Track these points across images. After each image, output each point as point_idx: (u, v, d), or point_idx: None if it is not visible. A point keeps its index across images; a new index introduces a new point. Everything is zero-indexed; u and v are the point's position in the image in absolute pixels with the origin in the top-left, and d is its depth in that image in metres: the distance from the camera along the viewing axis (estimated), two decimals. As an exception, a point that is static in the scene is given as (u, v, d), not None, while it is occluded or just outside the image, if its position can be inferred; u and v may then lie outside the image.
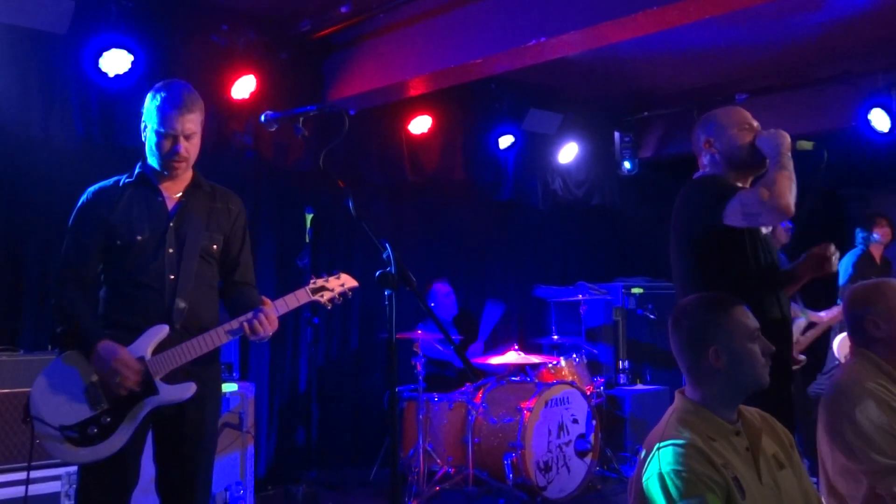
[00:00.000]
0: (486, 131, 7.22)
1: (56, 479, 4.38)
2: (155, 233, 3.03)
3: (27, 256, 5.18)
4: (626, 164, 8.13)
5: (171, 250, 3.03)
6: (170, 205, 3.10)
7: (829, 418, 2.80)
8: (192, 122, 3.02)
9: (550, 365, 6.25)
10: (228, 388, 5.09)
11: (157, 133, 3.01)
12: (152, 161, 3.08)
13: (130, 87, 5.09)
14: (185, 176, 3.15)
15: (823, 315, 5.88)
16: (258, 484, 5.61)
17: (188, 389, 2.95)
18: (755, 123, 3.23)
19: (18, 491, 4.22)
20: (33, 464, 4.28)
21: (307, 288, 3.16)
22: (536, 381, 6.06)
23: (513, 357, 6.13)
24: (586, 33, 4.88)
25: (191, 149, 3.06)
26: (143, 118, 3.07)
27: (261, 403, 5.98)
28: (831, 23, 6.05)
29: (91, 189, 3.12)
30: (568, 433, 5.81)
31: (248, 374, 5.96)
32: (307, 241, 5.78)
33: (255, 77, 5.61)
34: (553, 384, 5.85)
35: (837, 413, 2.75)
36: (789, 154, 2.99)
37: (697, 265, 3.11)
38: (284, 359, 6.44)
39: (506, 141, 7.20)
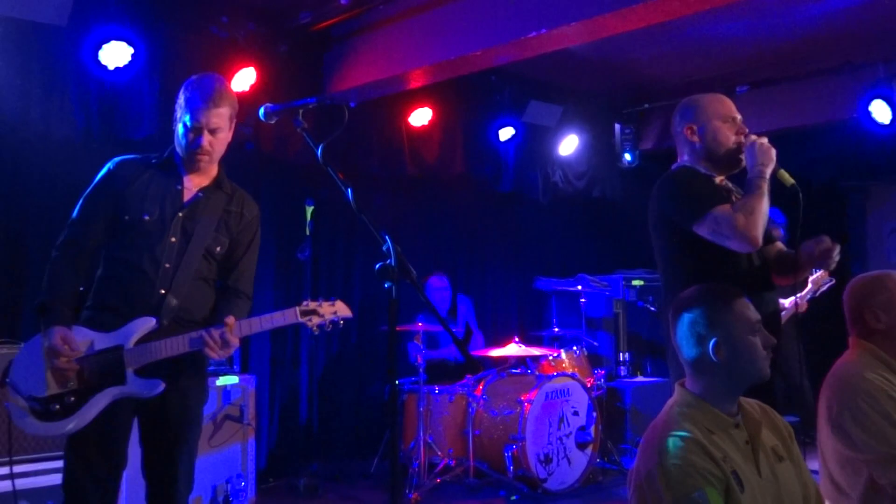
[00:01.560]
0: (487, 123, 7.21)
1: (58, 471, 4.36)
2: (163, 217, 3.02)
3: (27, 248, 5.17)
4: (627, 156, 8.11)
5: (173, 239, 3.01)
6: (187, 196, 3.08)
7: (829, 409, 2.80)
8: (218, 118, 3.02)
9: (551, 357, 6.25)
10: (230, 380, 5.11)
11: (184, 124, 3.02)
12: (178, 149, 3.10)
13: (130, 80, 5.09)
14: (210, 172, 3.15)
15: (786, 303, 5.92)
16: (259, 476, 5.62)
17: (156, 386, 2.93)
18: (738, 116, 3.18)
19: (29, 482, 4.22)
20: (42, 455, 4.33)
21: (297, 309, 3.12)
22: (537, 373, 6.07)
23: (513, 349, 6.14)
24: (587, 25, 4.87)
25: (216, 144, 3.05)
26: (175, 106, 3.09)
27: (262, 396, 5.99)
28: (832, 14, 6.03)
29: (117, 159, 3.13)
30: (568, 425, 5.82)
31: (249, 367, 5.97)
32: (307, 233, 5.79)
33: (255, 69, 5.60)
34: (554, 376, 5.85)
35: (838, 404, 2.75)
36: (768, 177, 2.99)
37: (678, 260, 3.11)
38: (285, 351, 6.44)
39: (506, 133, 7.19)
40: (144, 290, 2.96)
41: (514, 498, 5.48)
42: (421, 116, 6.76)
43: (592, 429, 5.91)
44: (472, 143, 7.25)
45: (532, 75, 7.35)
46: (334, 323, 3.17)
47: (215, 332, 2.93)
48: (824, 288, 5.84)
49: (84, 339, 2.93)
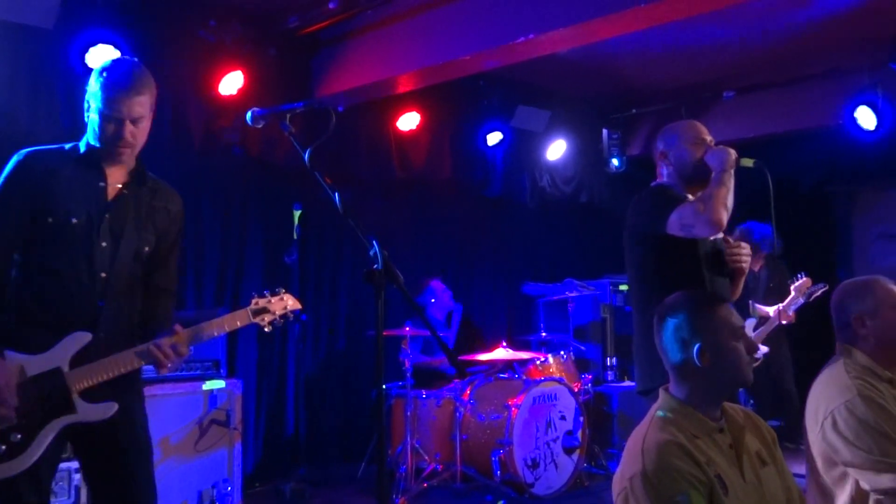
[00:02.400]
0: (475, 128, 7.22)
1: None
2: (91, 220, 2.73)
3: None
4: (614, 162, 8.14)
5: (104, 244, 2.74)
6: (110, 193, 2.80)
7: (815, 414, 2.81)
8: (140, 106, 2.76)
9: (538, 362, 6.26)
10: (216, 384, 5.09)
11: (102, 115, 2.74)
12: (95, 142, 2.80)
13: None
14: (129, 162, 2.86)
15: (770, 311, 5.97)
16: (246, 481, 5.59)
17: (109, 409, 2.68)
18: (708, 138, 3.40)
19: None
20: None
21: (248, 309, 2.94)
22: (524, 377, 6.07)
23: (501, 354, 6.14)
24: (575, 30, 4.89)
25: (138, 134, 2.78)
26: (86, 96, 2.81)
27: (248, 400, 5.97)
28: (818, 20, 6.07)
29: (27, 151, 2.81)
30: (555, 430, 5.82)
31: (235, 371, 5.94)
32: (295, 237, 5.77)
33: (243, 73, 5.59)
34: (541, 381, 5.86)
35: (824, 410, 2.76)
36: (732, 171, 3.22)
37: (647, 269, 3.33)
38: (272, 355, 6.42)
39: (494, 138, 7.20)
40: (82, 302, 2.69)
41: (501, 502, 5.48)
42: (409, 121, 6.76)
43: (579, 433, 5.91)
44: (460, 148, 7.26)
45: (520, 80, 7.36)
46: (284, 318, 2.99)
47: (166, 344, 2.71)
48: (818, 293, 5.88)
49: (12, 363, 2.58)
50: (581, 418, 5.95)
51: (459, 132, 7.24)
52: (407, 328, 5.86)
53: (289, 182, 6.21)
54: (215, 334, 2.88)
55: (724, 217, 3.11)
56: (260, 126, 2.86)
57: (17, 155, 2.81)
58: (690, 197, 3.34)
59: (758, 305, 6.12)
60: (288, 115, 2.73)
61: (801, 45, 6.57)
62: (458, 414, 5.73)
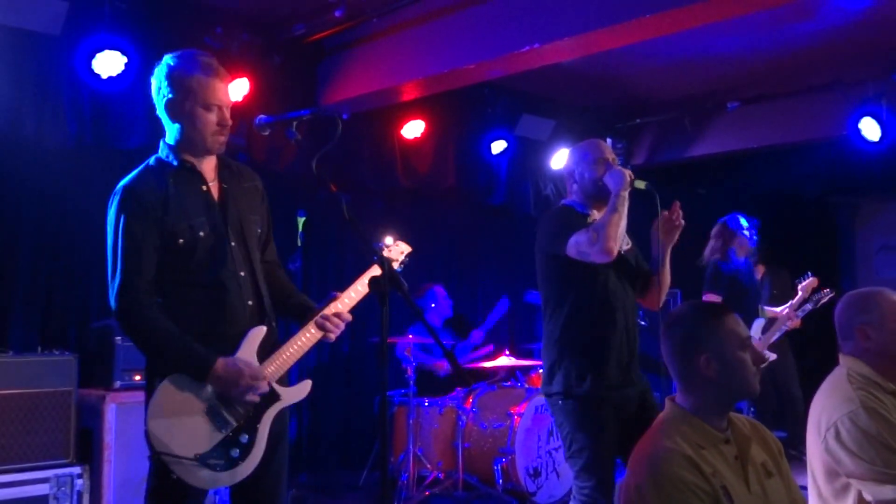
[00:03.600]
0: (479, 136, 7.23)
1: (44, 481, 4.37)
2: (215, 227, 2.76)
3: (17, 256, 5.16)
4: (618, 171, 8.14)
5: (234, 244, 2.78)
6: (215, 193, 2.83)
7: (818, 425, 2.81)
8: (228, 92, 2.82)
9: (541, 370, 6.24)
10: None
11: (204, 106, 2.72)
12: (189, 142, 2.78)
13: (123, 89, 5.09)
14: (213, 156, 2.87)
15: (780, 311, 5.96)
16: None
17: (306, 387, 2.86)
18: (611, 157, 3.57)
19: (9, 493, 4.20)
20: (22, 466, 4.31)
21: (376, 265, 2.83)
22: (527, 385, 6.07)
23: (504, 361, 6.14)
24: (580, 40, 4.90)
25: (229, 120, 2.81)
26: (170, 95, 2.78)
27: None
28: (822, 32, 6.09)
29: (128, 184, 2.73)
30: (557, 438, 5.80)
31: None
32: (299, 244, 5.78)
33: (249, 80, 5.61)
34: (543, 389, 5.85)
35: (826, 420, 2.76)
36: (626, 195, 3.36)
37: (554, 285, 3.54)
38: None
39: (498, 146, 7.21)
40: (235, 304, 2.75)
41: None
42: (414, 129, 6.77)
43: (582, 442, 5.90)
44: (465, 156, 7.27)
45: (525, 89, 7.38)
46: (402, 263, 3.14)
47: (331, 312, 2.84)
48: (824, 300, 5.89)
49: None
50: (583, 427, 5.93)
51: (464, 140, 7.26)
52: (410, 336, 5.86)
53: (293, 189, 6.23)
54: (361, 296, 2.94)
55: (615, 245, 3.29)
56: (266, 133, 2.88)
57: (119, 191, 2.73)
58: (595, 213, 3.53)
59: (766, 307, 6.12)
60: (294, 123, 2.75)
61: (805, 55, 6.58)
62: (460, 422, 5.73)
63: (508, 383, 6.17)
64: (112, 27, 5.00)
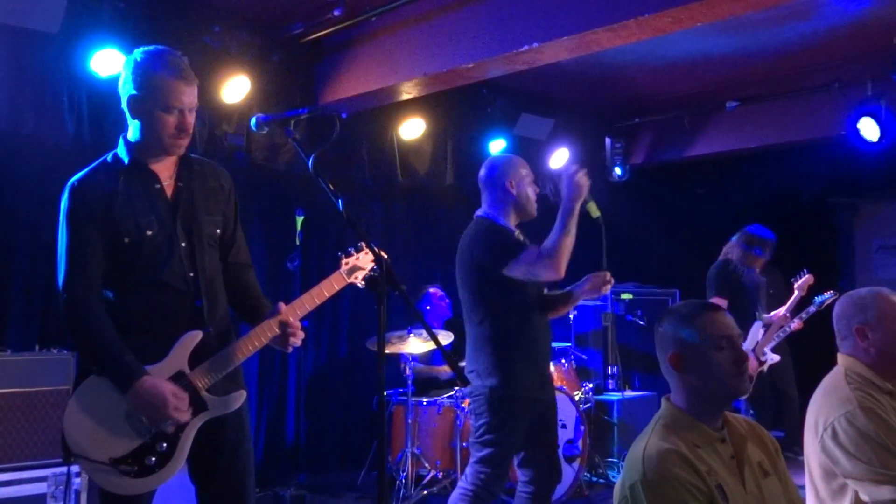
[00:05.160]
0: (478, 135, 7.23)
1: (42, 480, 4.36)
2: (164, 226, 2.72)
3: (14, 255, 5.15)
4: (617, 171, 8.14)
5: (183, 244, 2.74)
6: (168, 191, 2.78)
7: (815, 425, 2.81)
8: (195, 95, 2.76)
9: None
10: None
11: (163, 108, 2.67)
12: (147, 141, 2.75)
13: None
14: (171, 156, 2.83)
15: (771, 316, 5.98)
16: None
17: (238, 398, 2.75)
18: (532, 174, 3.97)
19: (7, 492, 4.20)
20: (19, 464, 4.30)
21: (341, 271, 2.88)
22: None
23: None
24: (578, 39, 4.90)
25: (193, 123, 2.77)
26: (132, 91, 2.72)
27: (249, 405, 5.94)
28: (821, 32, 6.09)
29: (78, 179, 2.74)
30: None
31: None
32: (297, 243, 5.78)
33: (247, 79, 5.60)
34: (542, 389, 5.84)
35: (824, 421, 2.76)
36: (577, 211, 3.61)
37: (481, 294, 3.73)
38: (273, 361, 6.42)
39: (497, 145, 7.21)
40: (179, 305, 2.71)
41: None
42: (412, 128, 6.77)
43: (580, 442, 5.90)
44: (463, 156, 7.26)
45: (524, 88, 7.38)
46: (373, 271, 2.82)
47: (274, 325, 2.76)
48: (827, 301, 5.91)
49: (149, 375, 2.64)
50: (582, 427, 5.94)
51: (462, 140, 7.25)
52: (410, 334, 5.85)
53: (292, 188, 6.23)
54: (317, 303, 2.86)
55: (564, 266, 3.56)
56: (264, 132, 2.86)
57: (67, 189, 2.73)
58: (512, 223, 3.83)
59: (763, 311, 6.14)
60: (292, 122, 2.73)
61: (804, 56, 6.58)
62: (458, 421, 5.72)
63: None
64: (111, 26, 4.99)
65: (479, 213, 3.94)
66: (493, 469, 3.69)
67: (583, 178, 3.60)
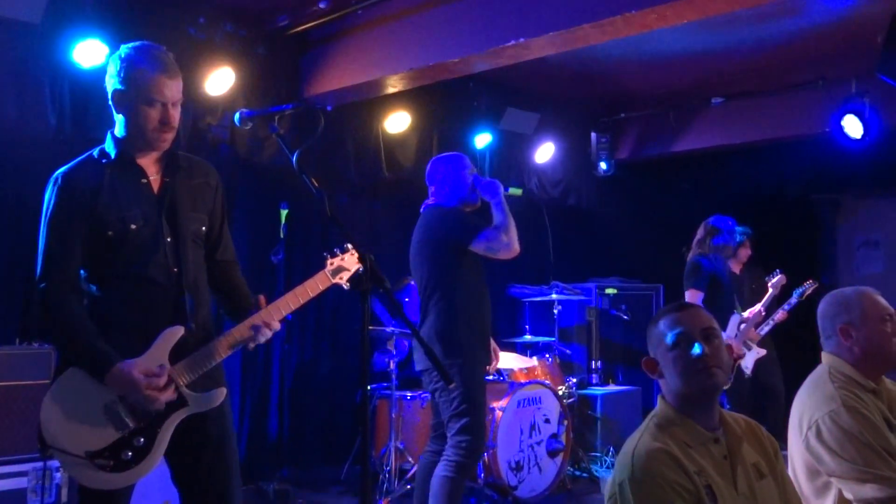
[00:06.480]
0: (464, 129, 7.22)
1: (23, 475, 4.33)
2: (149, 221, 2.71)
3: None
4: (602, 165, 8.16)
5: (168, 239, 2.73)
6: (155, 187, 2.77)
7: (799, 424, 2.82)
8: (179, 89, 2.75)
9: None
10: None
11: (146, 101, 2.67)
12: (132, 135, 2.74)
13: (104, 79, 5.02)
14: (163, 147, 2.82)
15: (748, 314, 6.04)
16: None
17: (219, 395, 2.73)
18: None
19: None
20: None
21: (326, 271, 2.87)
22: (509, 380, 6.07)
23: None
24: (565, 35, 4.90)
25: (177, 118, 2.76)
26: (117, 86, 2.73)
27: (232, 400, 5.94)
28: (807, 29, 6.11)
29: (64, 172, 2.73)
30: (539, 433, 5.82)
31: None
32: (281, 236, 5.75)
33: (232, 71, 5.57)
34: (526, 384, 5.85)
35: (808, 419, 2.77)
36: (504, 199, 4.07)
37: (442, 272, 4.10)
38: (257, 355, 6.39)
39: (483, 139, 7.20)
40: (161, 299, 2.70)
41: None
42: (397, 121, 6.75)
43: (563, 436, 5.92)
44: (449, 149, 7.17)
45: (510, 83, 7.37)
46: (358, 271, 2.88)
47: (259, 321, 2.74)
48: (808, 291, 5.98)
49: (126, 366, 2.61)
50: (565, 421, 5.95)
51: (448, 134, 7.24)
52: (390, 328, 5.85)
53: (276, 181, 6.19)
54: (301, 302, 2.85)
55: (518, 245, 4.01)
56: (248, 127, 2.84)
57: (52, 181, 2.73)
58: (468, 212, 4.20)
59: (741, 306, 6.19)
60: (276, 118, 2.71)
61: (789, 53, 6.61)
62: (442, 416, 5.72)
63: (490, 377, 6.16)
64: (93, 16, 4.94)
65: (429, 203, 4.33)
66: (474, 434, 3.95)
67: (491, 179, 4.21)
